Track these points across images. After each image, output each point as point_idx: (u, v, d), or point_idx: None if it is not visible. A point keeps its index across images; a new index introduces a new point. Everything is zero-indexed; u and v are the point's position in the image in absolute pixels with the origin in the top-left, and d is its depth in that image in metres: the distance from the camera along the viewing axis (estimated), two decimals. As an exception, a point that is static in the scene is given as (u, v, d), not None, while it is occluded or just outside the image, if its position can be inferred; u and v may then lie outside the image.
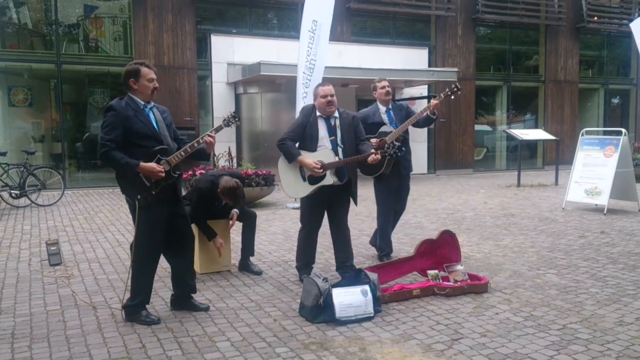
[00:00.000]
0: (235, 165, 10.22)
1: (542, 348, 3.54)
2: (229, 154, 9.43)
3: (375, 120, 5.65)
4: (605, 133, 12.74)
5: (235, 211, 5.38)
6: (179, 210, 4.28)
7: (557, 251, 6.24)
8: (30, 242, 6.91)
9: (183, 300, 4.35)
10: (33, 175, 9.97)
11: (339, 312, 3.99)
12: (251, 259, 5.51)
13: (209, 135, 4.18)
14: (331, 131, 4.87)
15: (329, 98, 4.80)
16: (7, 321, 4.09)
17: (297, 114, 8.67)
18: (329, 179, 4.73)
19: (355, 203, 5.11)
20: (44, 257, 5.93)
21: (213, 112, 14.02)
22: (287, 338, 3.74)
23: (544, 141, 16.52)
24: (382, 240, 5.91)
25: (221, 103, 14.11)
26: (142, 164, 3.92)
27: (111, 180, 12.61)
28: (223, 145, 11.65)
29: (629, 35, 13.70)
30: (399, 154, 4.84)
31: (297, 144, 4.87)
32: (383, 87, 5.70)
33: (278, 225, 7.97)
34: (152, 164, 3.95)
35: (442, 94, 5.63)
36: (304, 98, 9.33)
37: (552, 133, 15.47)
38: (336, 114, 4.92)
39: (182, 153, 4.13)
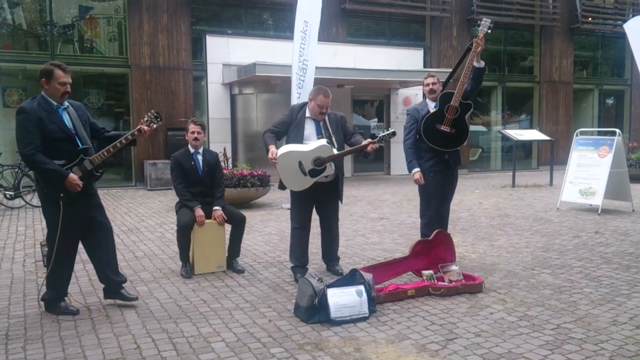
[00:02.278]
0: (230, 166, 10.21)
1: (536, 348, 3.55)
2: (224, 154, 9.42)
3: (423, 113, 5.38)
4: (599, 133, 12.80)
5: (217, 209, 5.40)
6: (94, 202, 4.37)
7: (551, 251, 6.26)
8: (25, 243, 6.89)
9: (113, 291, 4.42)
10: (27, 176, 9.92)
11: (334, 313, 3.99)
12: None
13: (147, 126, 4.31)
14: (319, 131, 5.01)
15: (323, 110, 4.98)
16: (1, 322, 4.08)
17: None
18: (330, 170, 4.88)
19: (341, 200, 5.24)
20: (38, 258, 5.91)
21: (208, 112, 14.01)
22: (282, 338, 3.74)
23: (539, 142, 16.56)
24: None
25: (216, 104, 14.11)
26: (70, 175, 3.99)
27: (105, 181, 12.61)
28: (218, 146, 11.66)
29: (623, 36, 13.74)
30: (392, 136, 4.92)
31: (281, 139, 5.07)
32: (427, 85, 5.49)
33: (273, 226, 7.97)
34: (73, 177, 4.00)
35: (477, 39, 5.13)
36: (298, 99, 9.33)
37: (546, 133, 15.52)
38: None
39: (105, 153, 4.20)
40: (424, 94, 5.67)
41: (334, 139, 4.98)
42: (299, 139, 4.95)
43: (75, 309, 4.27)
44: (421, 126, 5.26)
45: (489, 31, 5.23)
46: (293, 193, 5.13)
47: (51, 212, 4.14)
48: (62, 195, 4.03)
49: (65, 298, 4.34)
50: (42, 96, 4.06)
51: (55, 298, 4.25)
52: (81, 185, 4.05)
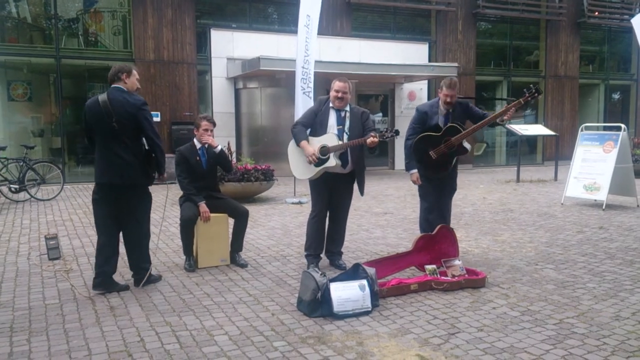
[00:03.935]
0: (234, 160, 10.22)
1: (538, 342, 3.55)
2: (229, 148, 9.43)
3: (431, 123, 5.32)
4: (604, 129, 12.74)
5: (219, 146, 5.57)
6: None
7: (555, 246, 6.25)
8: (30, 236, 6.92)
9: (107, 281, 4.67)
10: (32, 170, 9.97)
11: (337, 307, 4.00)
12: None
13: None
14: (340, 121, 5.13)
15: (340, 94, 5.07)
16: (6, 315, 4.11)
17: (297, 109, 8.83)
18: (332, 161, 4.97)
19: (362, 192, 5.29)
20: (43, 251, 5.94)
21: (212, 107, 14.01)
22: (284, 332, 3.75)
23: (544, 137, 16.52)
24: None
25: (221, 98, 14.12)
26: None
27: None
28: (222, 140, 11.66)
29: (630, 30, 13.68)
30: (395, 136, 4.95)
31: (308, 130, 5.17)
32: (446, 95, 5.22)
33: (277, 220, 7.98)
34: None
35: (521, 100, 5.13)
36: (303, 92, 9.33)
37: (552, 128, 15.47)
38: (347, 108, 5.17)
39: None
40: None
41: (346, 129, 5.08)
42: (323, 129, 5.09)
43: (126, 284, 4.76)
44: (415, 140, 5.31)
45: (532, 101, 5.03)
46: (311, 183, 5.27)
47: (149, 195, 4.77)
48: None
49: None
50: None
51: (149, 268, 4.80)
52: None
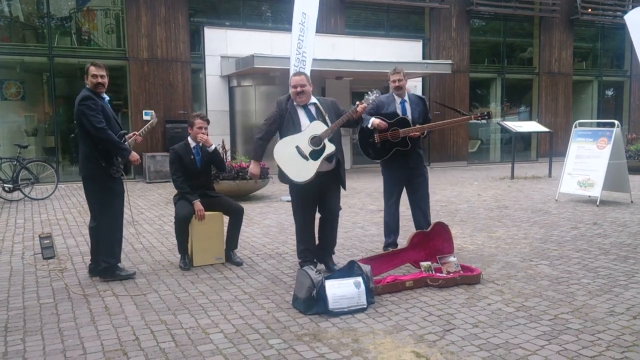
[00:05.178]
0: (229, 158, 10.21)
1: (533, 338, 3.57)
2: (223, 147, 9.41)
3: (389, 110, 5.53)
4: (598, 125, 12.79)
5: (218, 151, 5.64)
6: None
7: (549, 242, 6.27)
8: (24, 235, 6.90)
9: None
10: (26, 169, 9.93)
11: (332, 304, 4.00)
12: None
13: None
14: (312, 117, 4.88)
15: (298, 89, 4.85)
16: (1, 314, 4.09)
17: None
18: (331, 146, 4.74)
19: (344, 187, 5.11)
20: (37, 251, 5.92)
21: (207, 105, 13.98)
22: (280, 330, 3.75)
23: (538, 133, 16.56)
24: (384, 229, 5.85)
25: (215, 96, 14.09)
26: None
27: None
28: (217, 138, 11.63)
29: (623, 27, 13.71)
30: (376, 97, 4.84)
31: (274, 136, 5.04)
32: (394, 81, 5.55)
33: (272, 218, 7.98)
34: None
35: (472, 116, 5.73)
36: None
37: (546, 125, 15.51)
38: (313, 101, 4.95)
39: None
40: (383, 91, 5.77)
41: (327, 118, 4.83)
42: (297, 129, 4.82)
43: (133, 272, 5.04)
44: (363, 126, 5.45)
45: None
46: (293, 191, 5.00)
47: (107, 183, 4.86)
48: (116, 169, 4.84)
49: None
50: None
51: (114, 264, 4.90)
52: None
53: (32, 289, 4.68)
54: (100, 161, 4.76)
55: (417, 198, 5.72)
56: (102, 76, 4.90)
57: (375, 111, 5.49)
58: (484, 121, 5.61)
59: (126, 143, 4.96)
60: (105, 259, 4.87)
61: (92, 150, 4.77)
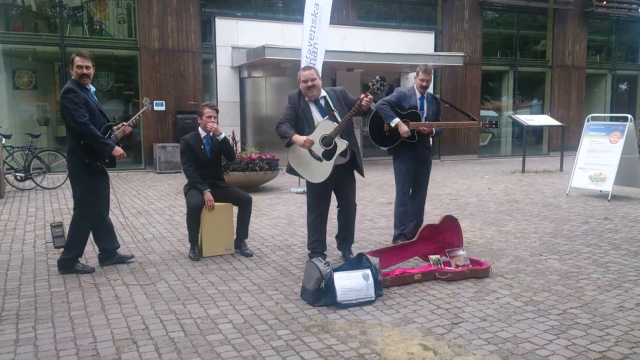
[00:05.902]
0: (239, 149, 10.22)
1: (541, 332, 3.56)
2: (233, 138, 9.41)
3: (410, 103, 5.64)
4: (611, 119, 12.66)
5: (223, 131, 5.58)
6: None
7: (559, 237, 6.24)
8: (35, 224, 6.96)
9: (111, 255, 5.11)
10: (38, 158, 10.01)
11: (341, 296, 4.01)
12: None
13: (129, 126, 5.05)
14: (323, 112, 4.89)
15: (309, 83, 4.84)
16: (12, 302, 4.14)
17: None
18: (342, 144, 4.76)
19: (362, 174, 5.21)
20: (48, 240, 5.97)
21: (217, 95, 14.00)
22: (288, 321, 3.77)
23: (550, 127, 16.44)
24: (395, 220, 5.88)
25: (225, 87, 14.09)
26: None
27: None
28: (227, 129, 11.66)
29: (638, 20, 13.55)
30: (383, 85, 4.70)
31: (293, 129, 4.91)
32: (422, 80, 5.61)
33: (281, 210, 7.99)
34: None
35: (481, 123, 6.06)
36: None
37: (558, 119, 15.38)
38: (323, 94, 4.95)
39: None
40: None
41: (336, 114, 4.83)
42: (311, 125, 4.85)
43: (92, 267, 4.94)
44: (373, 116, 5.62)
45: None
46: (310, 183, 5.02)
47: (88, 179, 4.82)
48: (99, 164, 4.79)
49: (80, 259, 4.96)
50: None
51: (73, 257, 4.85)
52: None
53: (43, 277, 4.73)
54: (83, 157, 4.69)
55: (417, 193, 5.93)
56: (87, 67, 4.71)
57: (397, 103, 5.60)
58: (491, 128, 5.79)
59: (113, 135, 4.89)
60: (66, 252, 4.87)
61: (76, 145, 4.71)
